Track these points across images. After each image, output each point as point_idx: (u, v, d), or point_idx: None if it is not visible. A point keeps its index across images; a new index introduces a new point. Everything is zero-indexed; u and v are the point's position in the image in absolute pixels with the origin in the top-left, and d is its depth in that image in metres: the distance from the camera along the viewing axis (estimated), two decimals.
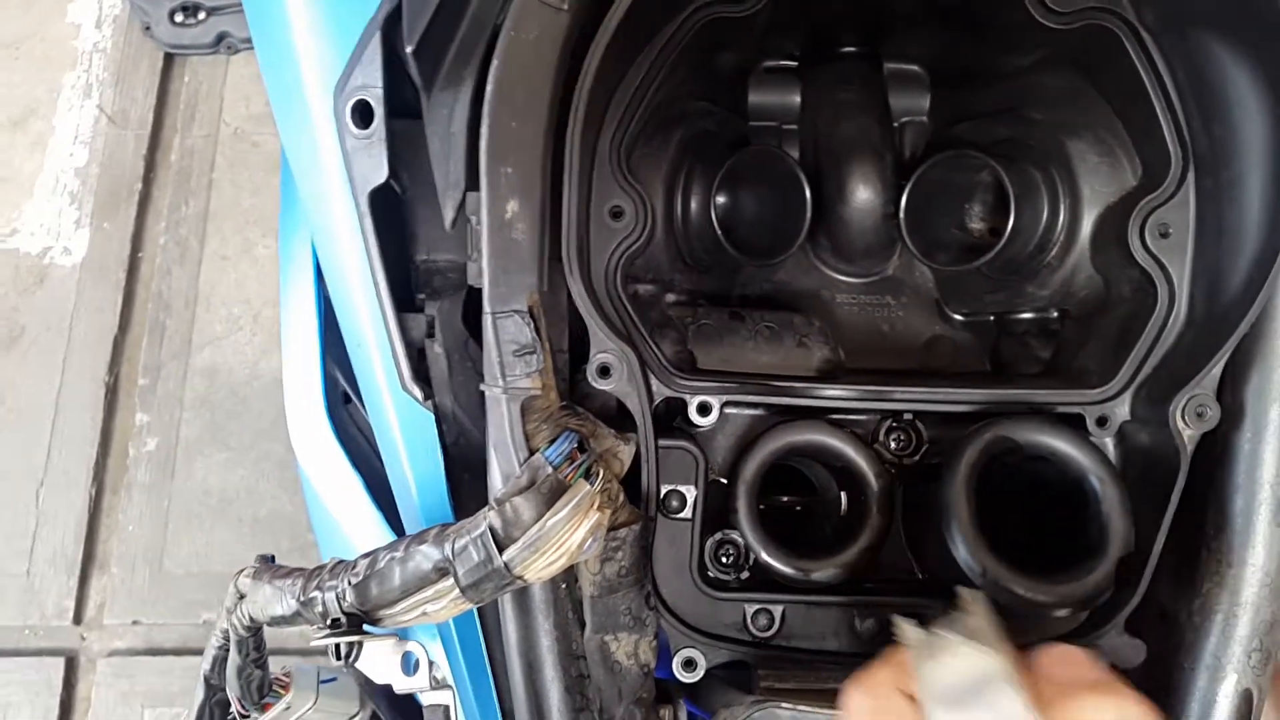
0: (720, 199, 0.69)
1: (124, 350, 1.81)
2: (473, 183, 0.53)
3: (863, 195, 0.69)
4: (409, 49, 0.52)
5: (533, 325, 0.51)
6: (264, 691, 0.65)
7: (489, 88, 0.50)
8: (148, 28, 1.97)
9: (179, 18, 1.96)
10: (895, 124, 0.74)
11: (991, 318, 0.73)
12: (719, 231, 0.68)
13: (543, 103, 0.51)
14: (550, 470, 0.49)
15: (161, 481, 1.74)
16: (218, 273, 1.86)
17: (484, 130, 0.50)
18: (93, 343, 1.79)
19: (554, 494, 0.49)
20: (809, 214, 0.68)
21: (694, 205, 0.68)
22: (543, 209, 0.52)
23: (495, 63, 0.50)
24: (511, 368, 0.51)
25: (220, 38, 1.95)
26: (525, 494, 0.48)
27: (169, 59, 1.98)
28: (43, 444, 1.74)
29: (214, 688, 0.68)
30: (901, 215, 0.68)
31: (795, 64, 0.73)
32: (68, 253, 1.85)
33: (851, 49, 0.72)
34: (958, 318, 0.74)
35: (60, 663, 1.63)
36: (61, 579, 1.68)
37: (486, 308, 0.51)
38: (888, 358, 0.74)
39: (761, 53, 0.72)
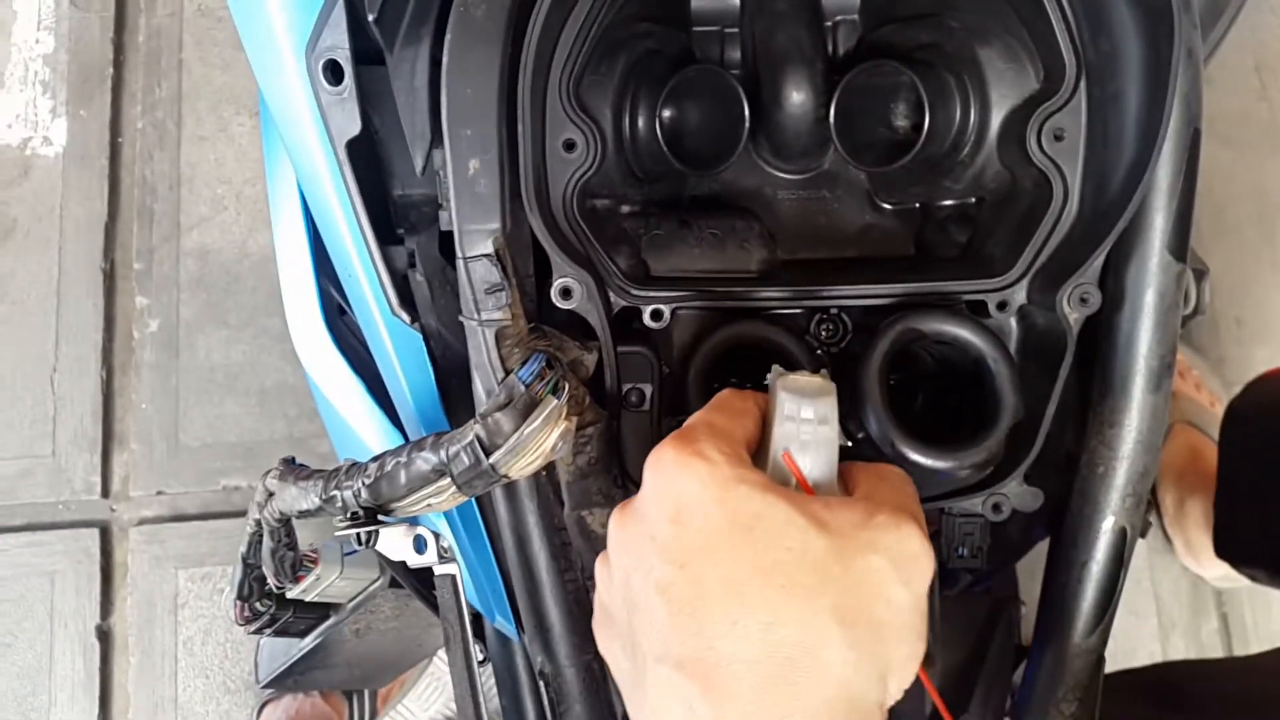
0: (665, 116, 0.75)
1: (116, 236, 1.87)
2: (437, 139, 0.60)
3: (796, 100, 0.75)
4: (371, 17, 0.58)
5: (500, 266, 0.59)
6: (296, 568, 0.77)
7: (444, 60, 0.57)
8: None
9: None
10: (828, 23, 0.80)
11: (917, 205, 0.81)
12: (664, 148, 0.75)
13: (494, 67, 0.58)
14: (523, 388, 0.59)
15: (168, 360, 1.84)
16: (197, 153, 1.90)
17: (443, 99, 0.57)
18: (85, 231, 1.85)
19: (528, 408, 0.58)
20: (747, 125, 0.75)
21: (641, 124, 0.75)
22: (501, 161, 0.59)
23: (449, 36, 0.57)
24: (484, 303, 0.60)
25: None
26: (504, 410, 0.58)
27: None
28: (50, 332, 1.82)
29: (251, 566, 0.80)
30: (831, 118, 0.75)
31: None
32: (48, 142, 1.88)
33: None
34: (887, 207, 0.81)
35: (95, 533, 1.77)
36: (85, 457, 1.80)
37: (459, 253, 0.59)
38: (825, 246, 0.82)
39: None
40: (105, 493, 1.82)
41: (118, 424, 1.83)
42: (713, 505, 0.48)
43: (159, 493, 1.82)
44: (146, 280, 1.86)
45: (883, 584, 0.47)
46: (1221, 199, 1.89)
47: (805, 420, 0.52)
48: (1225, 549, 1.24)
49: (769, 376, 0.58)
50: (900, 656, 0.48)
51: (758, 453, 0.54)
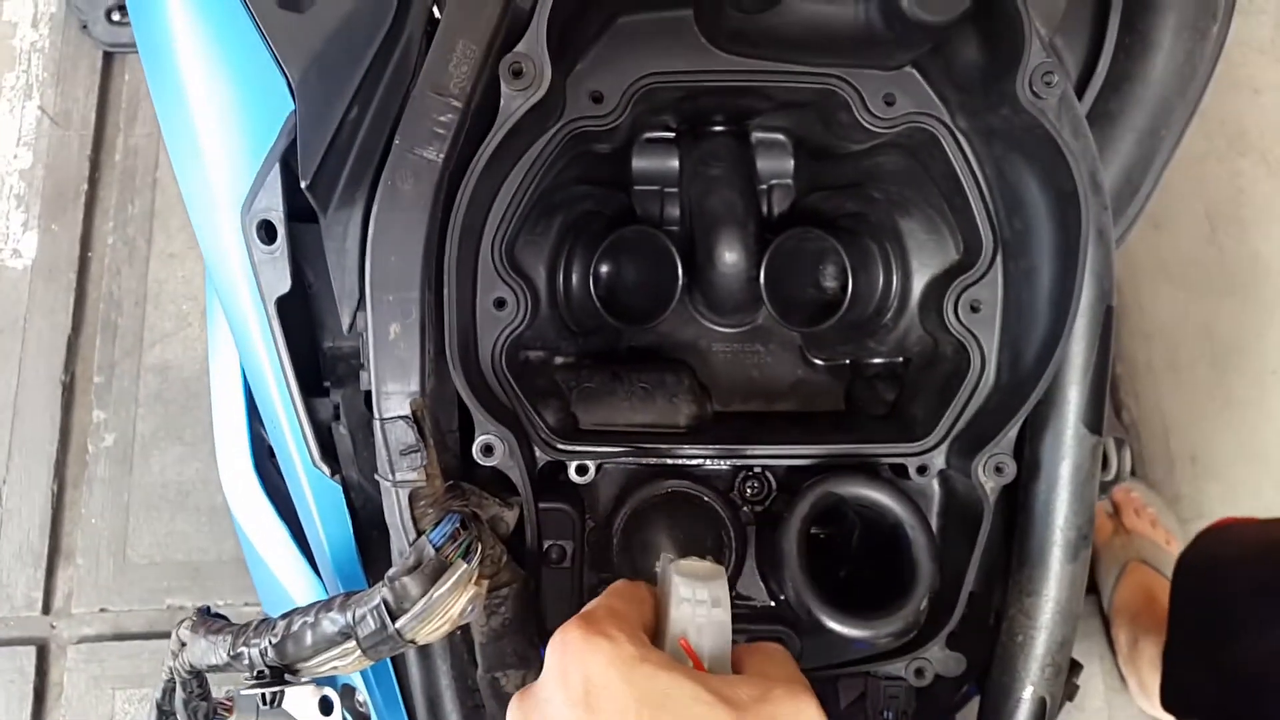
0: (600, 272, 0.77)
1: (78, 350, 1.87)
2: (363, 300, 0.61)
3: (729, 260, 0.77)
4: (304, 184, 0.60)
5: (416, 428, 0.60)
6: (210, 717, 0.75)
7: (370, 229, 0.58)
8: (85, 26, 1.98)
9: (116, 16, 1.97)
10: (764, 185, 0.83)
11: (847, 362, 0.83)
12: (598, 304, 0.76)
13: (418, 237, 0.59)
14: (434, 551, 0.58)
15: (121, 475, 1.81)
16: (165, 270, 1.92)
17: (367, 266, 0.58)
18: (47, 343, 1.85)
19: (437, 572, 0.58)
20: (680, 283, 0.77)
21: (575, 281, 0.77)
22: (423, 325, 0.60)
23: (375, 208, 0.58)
24: (399, 464, 0.60)
25: None
26: (412, 573, 0.58)
27: (108, 58, 2.00)
28: (3, 443, 1.80)
29: (165, 713, 0.77)
30: (762, 279, 0.77)
31: (673, 134, 0.82)
32: (18, 255, 1.89)
33: (721, 127, 0.80)
34: (818, 363, 0.83)
35: (32, 651, 1.72)
36: (29, 572, 1.76)
37: (375, 414, 0.60)
38: (758, 399, 0.84)
39: (639, 131, 0.80)
40: (46, 609, 1.77)
41: (65, 538, 1.80)
42: (620, 684, 0.49)
43: (102, 610, 1.77)
44: (105, 394, 1.85)
45: None
46: (1174, 339, 1.93)
47: (700, 602, 0.53)
48: (1172, 703, 1.23)
49: (658, 563, 0.59)
50: None
51: (654, 635, 0.55)
